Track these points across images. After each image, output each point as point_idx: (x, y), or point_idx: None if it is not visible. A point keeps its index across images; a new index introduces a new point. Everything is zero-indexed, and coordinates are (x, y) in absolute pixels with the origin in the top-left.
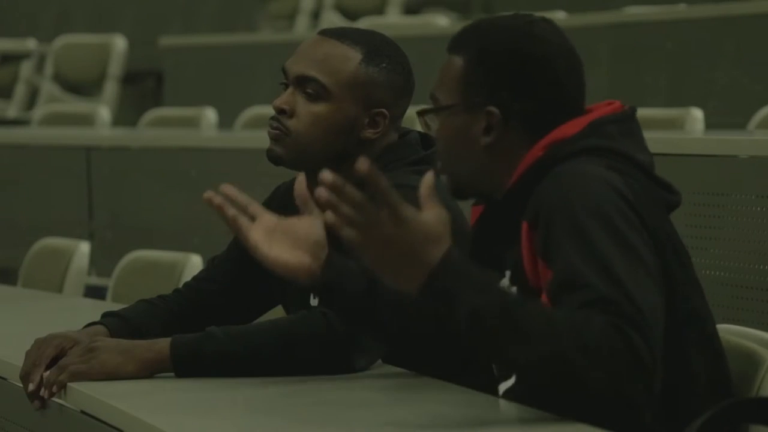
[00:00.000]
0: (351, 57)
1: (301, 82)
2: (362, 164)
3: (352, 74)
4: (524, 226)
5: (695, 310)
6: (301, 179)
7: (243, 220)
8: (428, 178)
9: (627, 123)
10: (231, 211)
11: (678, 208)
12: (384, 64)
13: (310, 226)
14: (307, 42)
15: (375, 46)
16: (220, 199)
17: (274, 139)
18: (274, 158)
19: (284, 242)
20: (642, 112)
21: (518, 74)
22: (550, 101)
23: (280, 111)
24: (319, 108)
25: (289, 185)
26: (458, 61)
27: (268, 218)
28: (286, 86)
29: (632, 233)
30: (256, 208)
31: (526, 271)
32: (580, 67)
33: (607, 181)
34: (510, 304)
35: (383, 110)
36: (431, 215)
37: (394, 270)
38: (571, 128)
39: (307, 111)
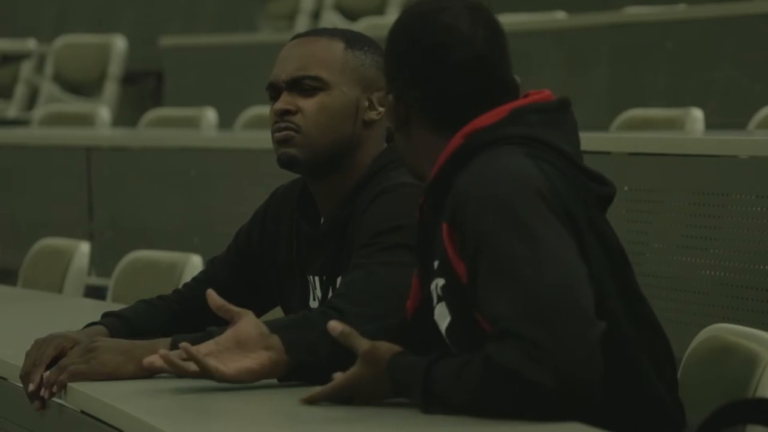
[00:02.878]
0: (334, 46)
1: (296, 83)
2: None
3: (341, 60)
4: (444, 227)
5: (624, 289)
6: (212, 297)
7: (189, 365)
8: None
9: (553, 113)
10: (182, 369)
11: (612, 199)
12: (366, 48)
13: (246, 324)
14: (285, 50)
15: (352, 35)
16: (161, 363)
17: (284, 140)
18: (287, 160)
19: (235, 355)
20: (642, 112)
21: (411, 63)
22: (447, 91)
23: (285, 112)
24: (321, 98)
25: (287, 188)
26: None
27: (204, 349)
28: (274, 97)
29: (540, 227)
30: (187, 350)
31: (455, 270)
32: (494, 55)
33: (519, 171)
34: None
35: (380, 91)
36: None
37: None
38: (492, 117)
39: (310, 104)
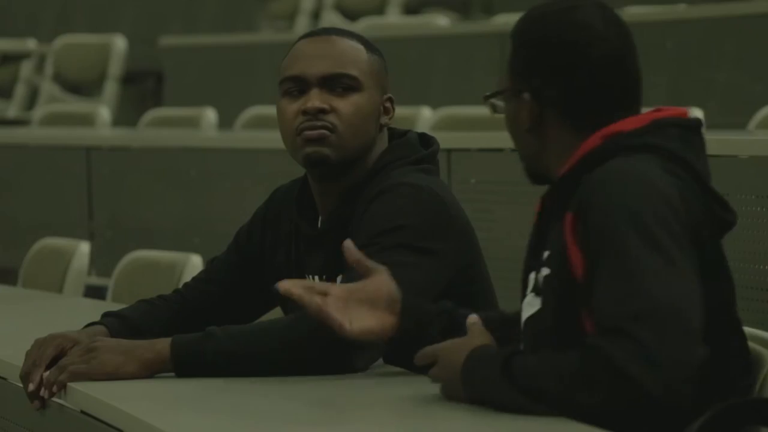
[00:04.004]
0: (359, 48)
1: (330, 81)
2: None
3: (368, 63)
4: (568, 216)
5: (731, 316)
6: (348, 247)
7: (318, 299)
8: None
9: (691, 131)
10: (314, 299)
11: (732, 226)
12: (377, 52)
13: (382, 282)
14: (308, 46)
15: (363, 38)
16: (300, 290)
17: (318, 139)
18: (319, 160)
19: (361, 309)
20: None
21: (550, 61)
22: (587, 88)
23: (320, 110)
24: (355, 99)
25: (287, 188)
26: (509, 47)
27: (338, 291)
28: (296, 92)
29: (667, 239)
30: (322, 285)
31: (570, 261)
32: (629, 55)
33: (654, 180)
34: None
35: (390, 95)
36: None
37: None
38: (632, 123)
39: (345, 105)
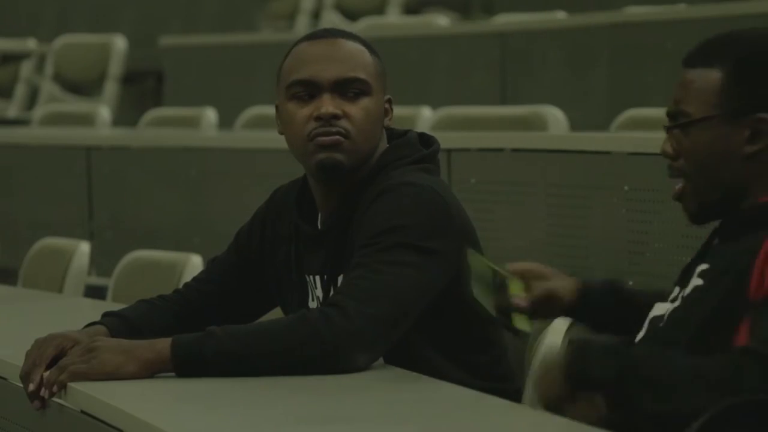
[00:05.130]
0: (363, 50)
1: (342, 85)
2: None
3: (374, 65)
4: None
5: None
6: None
7: None
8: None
9: None
10: None
11: None
12: (377, 54)
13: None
14: (317, 48)
15: (362, 38)
16: None
17: (333, 145)
18: (333, 166)
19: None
20: (642, 112)
21: None
22: None
23: (334, 116)
24: (366, 104)
25: (287, 188)
26: (713, 73)
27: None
28: (306, 97)
29: None
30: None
31: (751, 281)
32: None
33: None
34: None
35: (389, 96)
36: None
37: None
38: None
39: (356, 110)
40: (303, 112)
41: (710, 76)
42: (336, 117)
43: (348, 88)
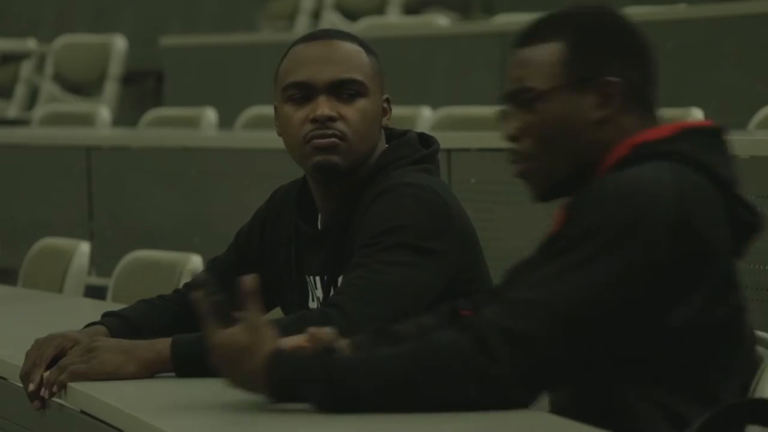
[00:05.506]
0: (360, 51)
1: (338, 87)
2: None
3: (370, 66)
4: (560, 210)
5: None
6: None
7: None
8: (249, 282)
9: (716, 137)
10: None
11: (759, 230)
12: (374, 54)
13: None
14: (312, 49)
15: (359, 38)
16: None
17: (329, 147)
18: (330, 168)
19: None
20: None
21: (624, 46)
22: (647, 74)
23: (329, 118)
24: (362, 105)
25: (288, 188)
26: (552, 45)
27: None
28: (302, 99)
29: (607, 259)
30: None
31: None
32: (650, 43)
33: (649, 193)
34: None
35: (387, 96)
36: (237, 329)
37: (239, 381)
38: (659, 132)
39: (352, 111)
40: (299, 114)
41: (550, 49)
42: (332, 119)
43: (343, 90)
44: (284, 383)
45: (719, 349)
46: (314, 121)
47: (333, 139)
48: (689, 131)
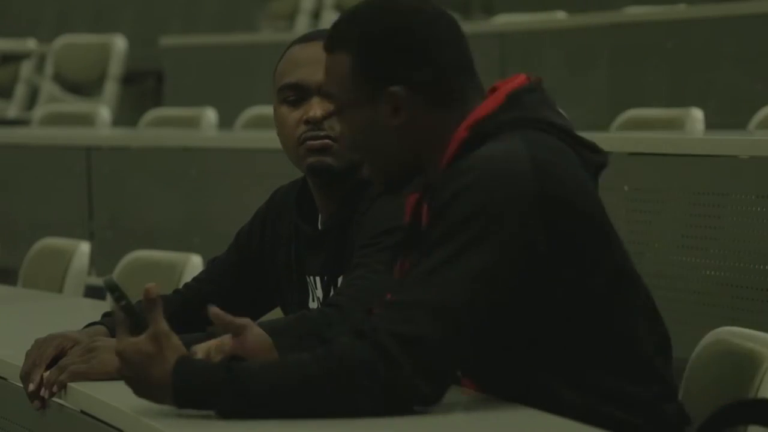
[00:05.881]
0: None
1: None
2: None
3: None
4: (425, 209)
5: (627, 274)
6: (214, 312)
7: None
8: (151, 290)
9: (539, 92)
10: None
11: (604, 166)
12: None
13: (252, 337)
14: (307, 52)
15: None
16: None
17: (322, 149)
18: (324, 169)
19: None
20: (642, 112)
21: (405, 48)
22: (445, 65)
23: (322, 119)
24: None
25: (288, 188)
26: (342, 57)
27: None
28: (296, 100)
29: (479, 247)
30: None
31: None
32: (458, 27)
33: (506, 171)
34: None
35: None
36: (141, 338)
37: (145, 391)
38: (490, 104)
39: None
40: (293, 116)
41: (340, 61)
42: (325, 120)
43: None
44: (188, 390)
45: (614, 312)
46: (307, 122)
47: (326, 141)
48: (517, 93)
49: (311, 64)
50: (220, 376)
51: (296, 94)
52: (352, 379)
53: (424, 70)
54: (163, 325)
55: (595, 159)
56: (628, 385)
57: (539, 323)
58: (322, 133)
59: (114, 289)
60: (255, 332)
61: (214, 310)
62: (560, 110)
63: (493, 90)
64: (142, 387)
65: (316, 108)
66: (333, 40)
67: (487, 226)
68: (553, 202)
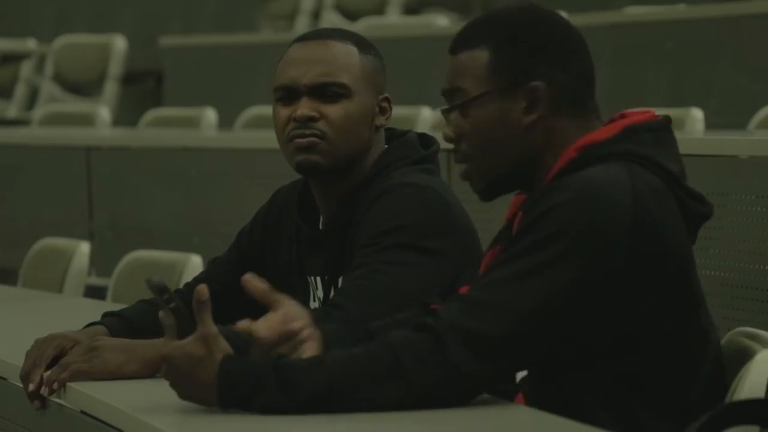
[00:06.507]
0: (350, 51)
1: (319, 89)
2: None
3: (359, 66)
4: (512, 208)
5: (701, 326)
6: (252, 283)
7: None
8: (201, 292)
9: (662, 132)
10: None
11: (708, 218)
12: (372, 51)
13: (293, 310)
14: (299, 51)
15: (359, 38)
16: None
17: (307, 147)
18: (310, 167)
19: None
20: None
21: (551, 47)
22: (579, 73)
23: (309, 119)
24: (345, 105)
25: (289, 189)
26: (480, 52)
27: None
28: (288, 99)
29: (567, 264)
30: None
31: None
32: (586, 43)
33: (606, 197)
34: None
35: (387, 95)
36: (189, 341)
37: (190, 394)
38: (605, 132)
39: (334, 112)
40: (284, 114)
41: (478, 56)
42: (312, 119)
43: (325, 92)
44: (234, 389)
45: (680, 355)
46: (295, 120)
47: (312, 139)
48: (635, 128)
49: (302, 65)
50: (267, 373)
51: (287, 94)
52: (405, 369)
53: (566, 69)
54: (213, 328)
55: (698, 210)
56: (664, 428)
57: (598, 350)
58: (308, 132)
59: (164, 291)
60: (296, 307)
61: (249, 280)
62: (679, 156)
63: (622, 116)
64: (189, 389)
65: (304, 107)
66: (467, 38)
67: (578, 246)
68: (645, 235)
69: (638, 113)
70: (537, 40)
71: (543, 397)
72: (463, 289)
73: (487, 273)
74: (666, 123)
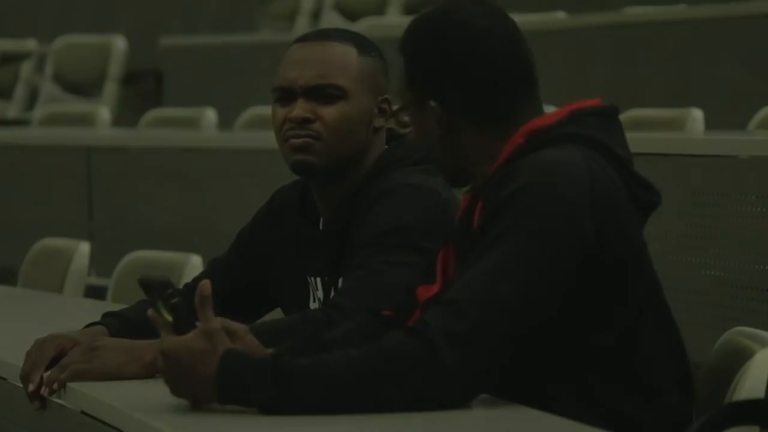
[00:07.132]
0: (349, 52)
1: (316, 90)
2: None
3: (357, 67)
4: (479, 205)
5: (664, 302)
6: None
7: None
8: (204, 287)
9: (608, 118)
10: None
11: (656, 207)
12: (373, 53)
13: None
14: (297, 52)
15: (359, 39)
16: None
17: (302, 148)
18: (305, 168)
19: None
20: (642, 112)
21: (444, 65)
22: (486, 85)
23: (304, 120)
24: (341, 107)
25: (289, 189)
26: (402, 60)
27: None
28: (285, 100)
29: (538, 247)
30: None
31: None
32: (517, 42)
33: (567, 176)
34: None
35: (387, 97)
36: (191, 336)
37: (187, 390)
38: (551, 117)
39: (329, 113)
40: (281, 114)
41: (402, 63)
42: (307, 120)
43: (321, 93)
44: (233, 384)
45: (638, 340)
46: (290, 120)
47: (306, 139)
48: (582, 111)
49: (299, 67)
50: (266, 371)
51: (284, 95)
52: (400, 376)
53: (454, 94)
54: (215, 323)
55: (646, 197)
56: (635, 410)
57: (570, 334)
58: (302, 132)
59: (167, 286)
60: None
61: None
62: (626, 143)
63: (572, 104)
64: (187, 384)
65: (299, 108)
66: (400, 42)
67: (544, 223)
68: (605, 211)
69: (585, 101)
70: (430, 56)
71: (508, 385)
72: (422, 290)
73: (464, 270)
74: (613, 110)
